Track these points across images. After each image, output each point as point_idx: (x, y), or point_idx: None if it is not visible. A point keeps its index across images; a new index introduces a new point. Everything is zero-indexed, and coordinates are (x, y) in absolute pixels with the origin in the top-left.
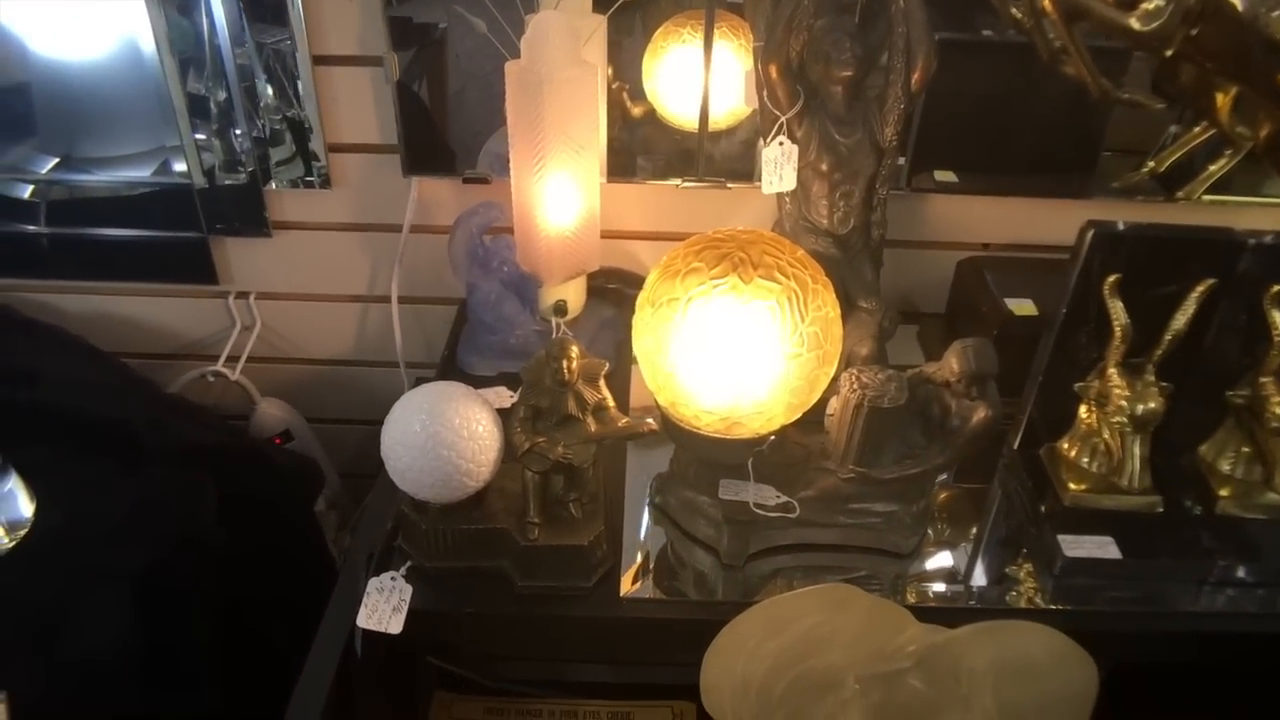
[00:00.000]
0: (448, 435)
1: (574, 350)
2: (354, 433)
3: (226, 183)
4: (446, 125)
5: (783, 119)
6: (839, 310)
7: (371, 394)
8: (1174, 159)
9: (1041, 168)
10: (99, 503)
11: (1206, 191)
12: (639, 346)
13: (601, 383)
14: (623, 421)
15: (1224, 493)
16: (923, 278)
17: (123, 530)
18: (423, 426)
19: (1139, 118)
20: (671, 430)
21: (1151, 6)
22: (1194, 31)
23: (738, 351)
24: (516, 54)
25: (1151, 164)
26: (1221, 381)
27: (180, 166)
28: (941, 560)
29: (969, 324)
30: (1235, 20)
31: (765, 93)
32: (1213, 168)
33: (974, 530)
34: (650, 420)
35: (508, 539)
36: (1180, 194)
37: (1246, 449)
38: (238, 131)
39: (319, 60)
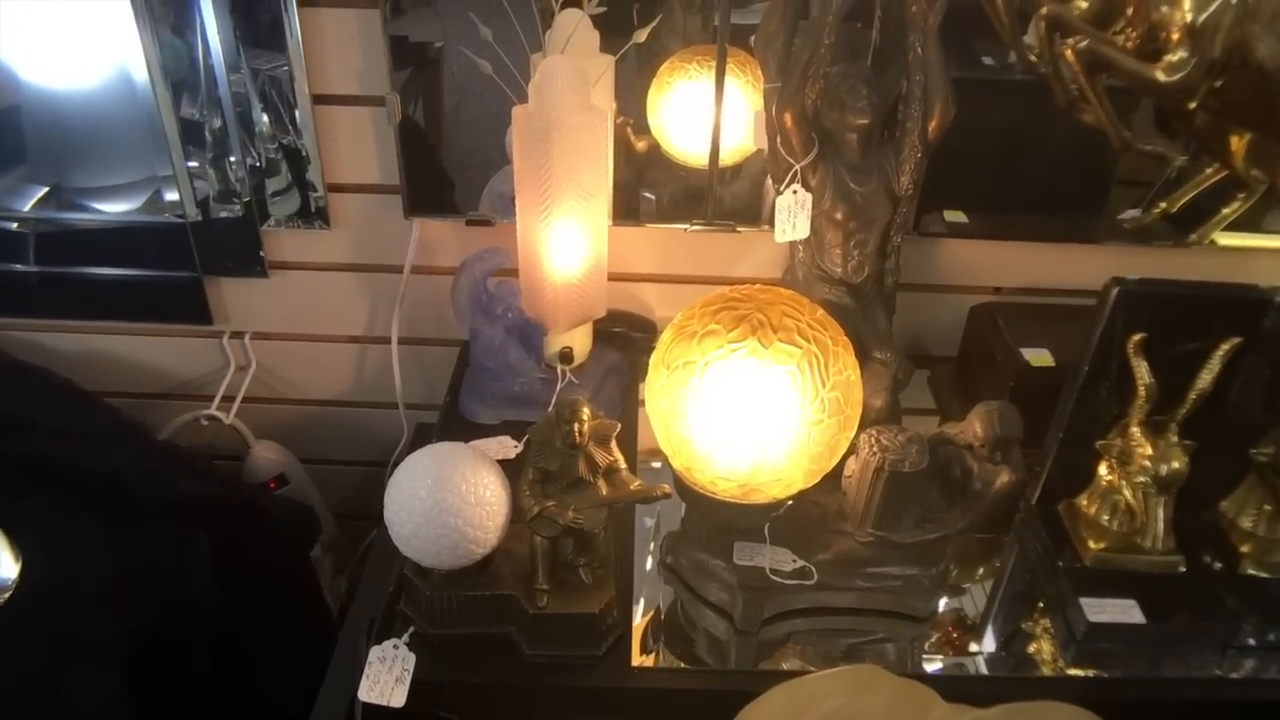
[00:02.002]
0: (454, 502)
1: (585, 412)
2: (351, 474)
3: (222, 215)
4: (443, 150)
5: (797, 167)
6: (859, 371)
7: (369, 435)
8: (1186, 200)
9: (1052, 205)
10: (89, 561)
11: (1223, 230)
12: (653, 409)
13: (613, 444)
14: (635, 484)
15: (1245, 549)
16: (933, 321)
17: (114, 591)
18: (428, 493)
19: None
20: (685, 493)
21: (1176, 58)
22: (1218, 83)
23: (756, 417)
24: (521, 93)
25: (1163, 205)
26: (1243, 436)
27: (173, 196)
28: (961, 622)
29: (983, 372)
30: (1260, 71)
31: (779, 139)
32: (1225, 210)
33: (992, 587)
34: (665, 485)
35: (515, 605)
36: (1193, 236)
37: (1269, 506)
38: (232, 159)
39: (319, 99)
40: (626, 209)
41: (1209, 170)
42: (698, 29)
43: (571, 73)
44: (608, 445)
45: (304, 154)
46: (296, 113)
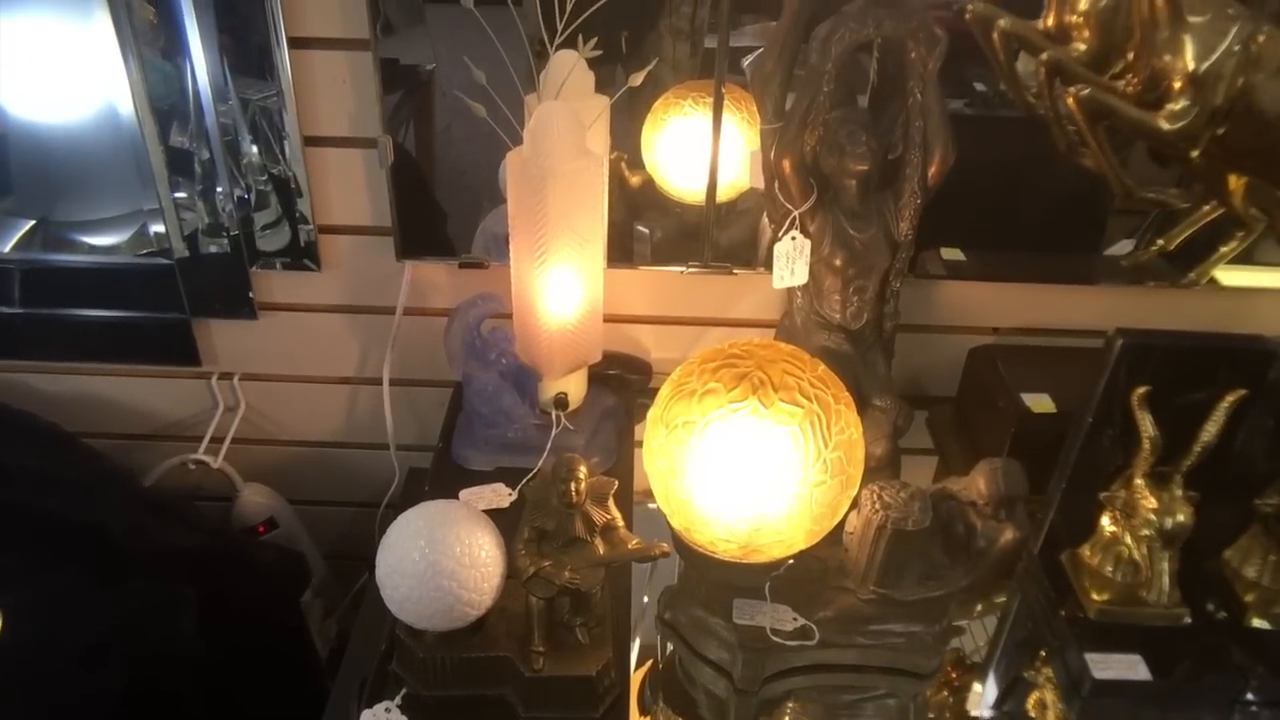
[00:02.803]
0: (448, 564)
1: (582, 471)
2: (341, 515)
3: (210, 249)
4: (435, 181)
5: (795, 213)
6: (861, 429)
7: (360, 477)
8: (1184, 237)
9: (1049, 240)
10: (72, 620)
11: (1225, 264)
12: (651, 468)
13: (610, 502)
14: (633, 543)
15: (1250, 599)
16: (932, 362)
17: (98, 650)
18: (422, 555)
19: (1142, 179)
20: (684, 551)
21: (1178, 107)
22: (1220, 131)
23: (757, 478)
24: (515, 134)
25: (1161, 242)
26: (1248, 485)
27: (159, 228)
28: (961, 663)
29: (983, 416)
30: (1262, 119)
31: (777, 185)
32: (1224, 249)
33: (993, 635)
34: (663, 545)
35: (511, 667)
36: (1191, 275)
37: (1273, 556)
38: (220, 190)
39: (310, 141)
40: (621, 251)
41: (1206, 208)
42: (686, 55)
43: (567, 118)
44: (605, 503)
45: (294, 185)
46: (286, 144)
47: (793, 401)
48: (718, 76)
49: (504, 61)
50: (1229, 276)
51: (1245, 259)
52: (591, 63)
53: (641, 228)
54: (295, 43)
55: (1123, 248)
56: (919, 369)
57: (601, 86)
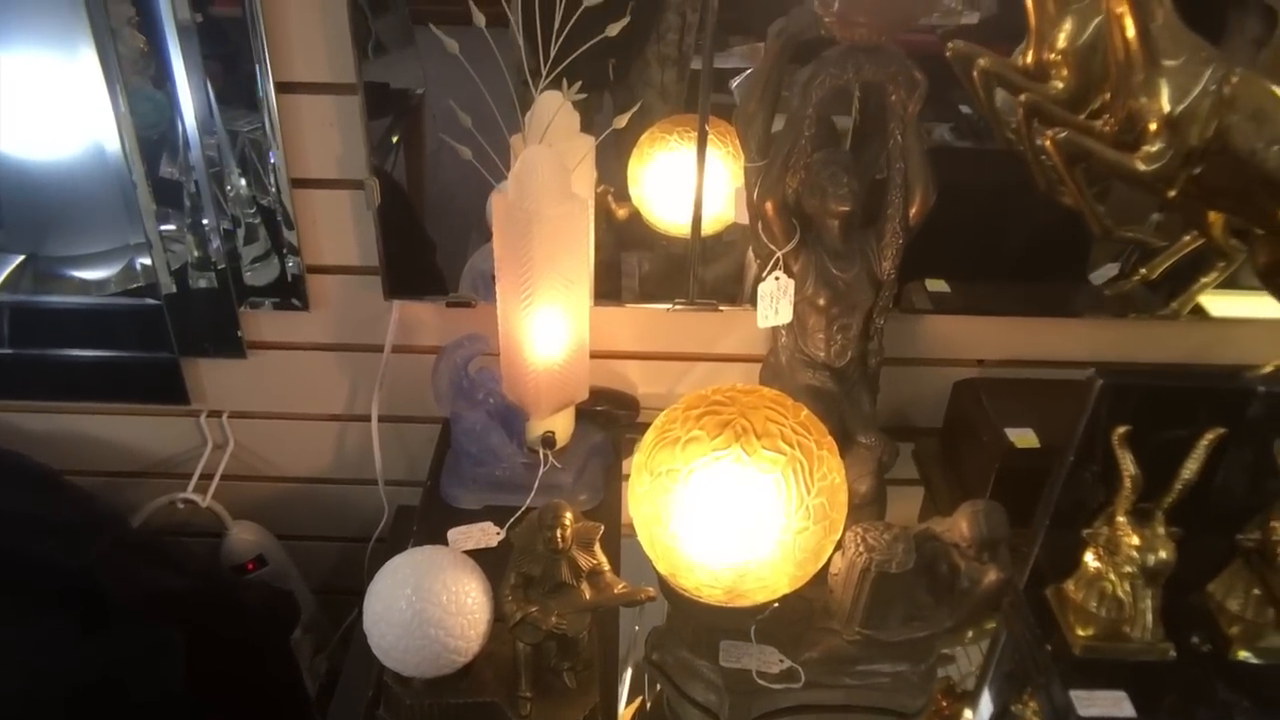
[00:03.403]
0: (435, 613)
1: (567, 517)
2: (331, 550)
3: (200, 284)
4: (425, 213)
5: (779, 254)
6: (844, 473)
7: (349, 512)
8: (1165, 266)
9: (1034, 266)
10: (57, 667)
11: (1211, 290)
12: (636, 514)
13: (596, 547)
14: (619, 587)
15: (1234, 632)
16: (917, 394)
17: (85, 698)
18: (409, 604)
19: (1124, 204)
20: (670, 595)
21: (1154, 149)
22: (1197, 171)
23: (741, 525)
24: (499, 173)
25: (1143, 271)
26: (1229, 520)
27: (146, 261)
28: (954, 705)
29: (968, 450)
30: (1237, 159)
31: (760, 226)
32: (1204, 280)
33: (980, 669)
34: (649, 589)
35: (499, 713)
36: (1174, 305)
37: (1257, 591)
38: (206, 222)
39: (297, 183)
40: (609, 282)
41: (1187, 238)
42: (674, 81)
43: (551, 163)
44: (591, 548)
45: (282, 217)
46: (274, 176)
47: (775, 449)
48: (701, 122)
49: (497, 74)
50: (1217, 305)
51: (1231, 283)
52: (583, 88)
53: (629, 259)
54: (282, 87)
55: (1108, 271)
56: (905, 401)
57: (589, 113)
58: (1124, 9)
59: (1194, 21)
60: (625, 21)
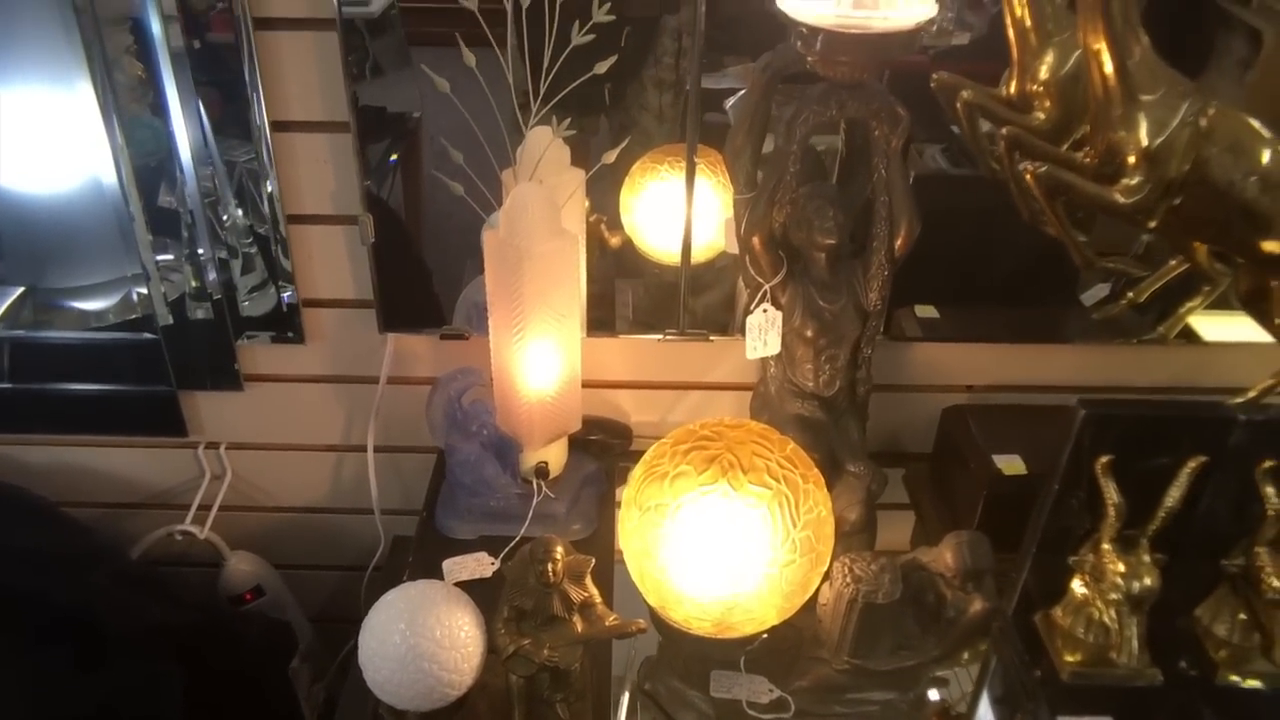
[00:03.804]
0: (428, 647)
1: (558, 551)
2: (328, 579)
3: (197, 315)
4: (422, 241)
5: (766, 287)
6: (830, 506)
7: (346, 541)
8: (1152, 290)
9: (1024, 288)
10: (58, 700)
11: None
12: (626, 548)
13: (588, 580)
14: (610, 620)
15: (1221, 656)
16: (907, 420)
17: None
18: (402, 638)
19: (1112, 228)
20: (661, 626)
21: (1133, 182)
22: (1176, 202)
23: (728, 559)
24: (491, 208)
25: (1130, 295)
26: (1215, 545)
27: (144, 290)
28: (946, 713)
29: (957, 476)
30: (1215, 190)
31: (748, 260)
32: (1190, 304)
33: (973, 694)
34: (640, 621)
35: None
36: (1161, 329)
37: (1243, 616)
38: (201, 251)
39: (293, 219)
40: (603, 308)
41: (1173, 262)
42: (669, 104)
43: (542, 200)
44: (582, 581)
45: (277, 245)
46: (269, 206)
47: (761, 483)
48: (689, 154)
49: (489, 107)
50: (1209, 327)
51: (1224, 304)
52: (576, 112)
53: (623, 287)
54: (277, 125)
55: (1099, 291)
56: (895, 427)
57: (585, 137)
58: (1101, 46)
59: (1181, 43)
60: (614, 59)
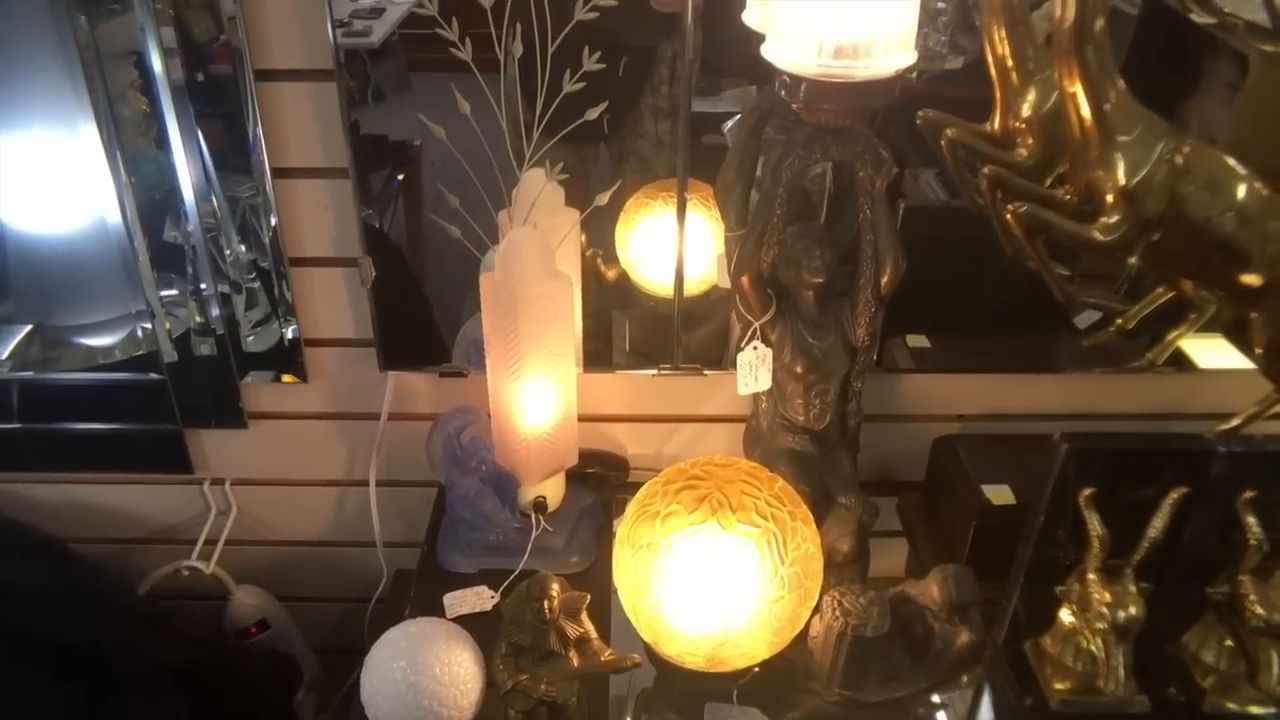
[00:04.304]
0: (429, 684)
1: (554, 589)
2: (332, 610)
3: (202, 351)
4: (424, 259)
5: (756, 325)
6: (818, 542)
7: (350, 574)
8: (1140, 317)
9: (1016, 314)
10: None
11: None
12: (620, 585)
13: (584, 616)
14: (606, 654)
15: (1208, 683)
16: (900, 449)
17: None
18: (403, 675)
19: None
20: (655, 660)
21: (1112, 221)
22: (1155, 238)
23: (719, 595)
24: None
25: (1119, 322)
26: (1200, 573)
27: (147, 325)
28: None
29: (948, 506)
30: (1192, 226)
31: (739, 298)
32: (1177, 331)
33: None
34: (635, 655)
35: None
36: (1149, 356)
37: (1229, 642)
38: (204, 285)
39: (294, 261)
40: (599, 348)
41: (1160, 289)
42: (667, 131)
43: (536, 245)
44: (578, 617)
45: (278, 281)
46: (270, 238)
47: (750, 522)
48: (680, 191)
49: (487, 147)
50: (1201, 353)
51: (1215, 326)
52: (575, 141)
53: (619, 319)
54: (278, 172)
55: (1092, 315)
56: (887, 456)
57: (584, 164)
58: (1077, 89)
59: (1171, 68)
60: (604, 106)
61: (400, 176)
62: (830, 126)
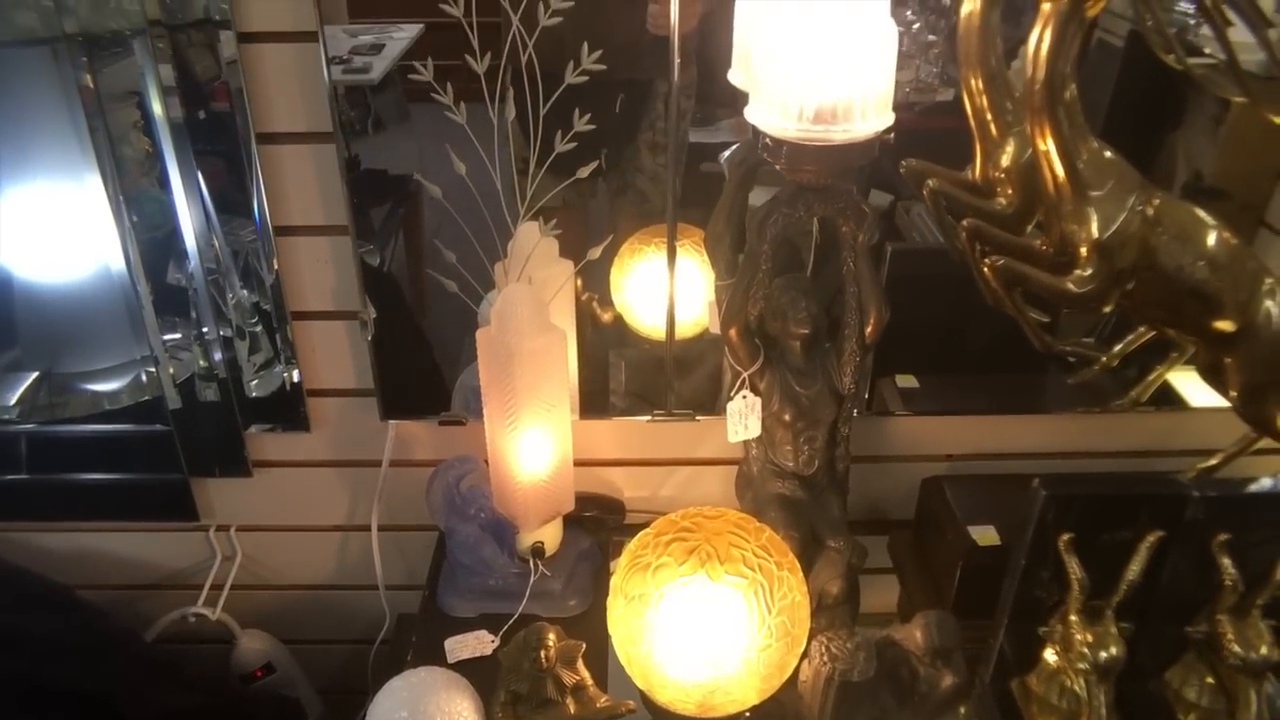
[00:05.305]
0: None
1: (551, 638)
2: (337, 652)
3: (207, 396)
4: (425, 298)
5: (745, 375)
6: (805, 590)
7: (353, 617)
8: (1123, 354)
9: (1002, 362)
10: None
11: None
12: (615, 633)
13: (579, 663)
14: (602, 701)
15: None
16: (889, 489)
17: None
18: None
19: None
20: (649, 707)
21: (1086, 273)
22: (1129, 287)
23: (708, 644)
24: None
25: (1104, 360)
26: (1180, 612)
27: (152, 370)
28: None
29: (936, 546)
30: (1165, 275)
31: (728, 349)
32: (1158, 371)
33: None
34: (630, 702)
35: None
36: (1132, 394)
37: (1210, 679)
38: (206, 329)
39: (297, 315)
40: (595, 390)
41: (1141, 329)
42: (665, 166)
43: (530, 300)
44: (574, 665)
45: (281, 320)
46: (271, 281)
47: (738, 573)
48: (670, 238)
49: (487, 186)
50: (1188, 388)
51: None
52: (570, 168)
53: (615, 359)
54: (280, 230)
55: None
56: (878, 496)
57: (583, 200)
58: (1050, 148)
59: (1156, 101)
60: (595, 165)
61: (400, 210)
62: (813, 185)
